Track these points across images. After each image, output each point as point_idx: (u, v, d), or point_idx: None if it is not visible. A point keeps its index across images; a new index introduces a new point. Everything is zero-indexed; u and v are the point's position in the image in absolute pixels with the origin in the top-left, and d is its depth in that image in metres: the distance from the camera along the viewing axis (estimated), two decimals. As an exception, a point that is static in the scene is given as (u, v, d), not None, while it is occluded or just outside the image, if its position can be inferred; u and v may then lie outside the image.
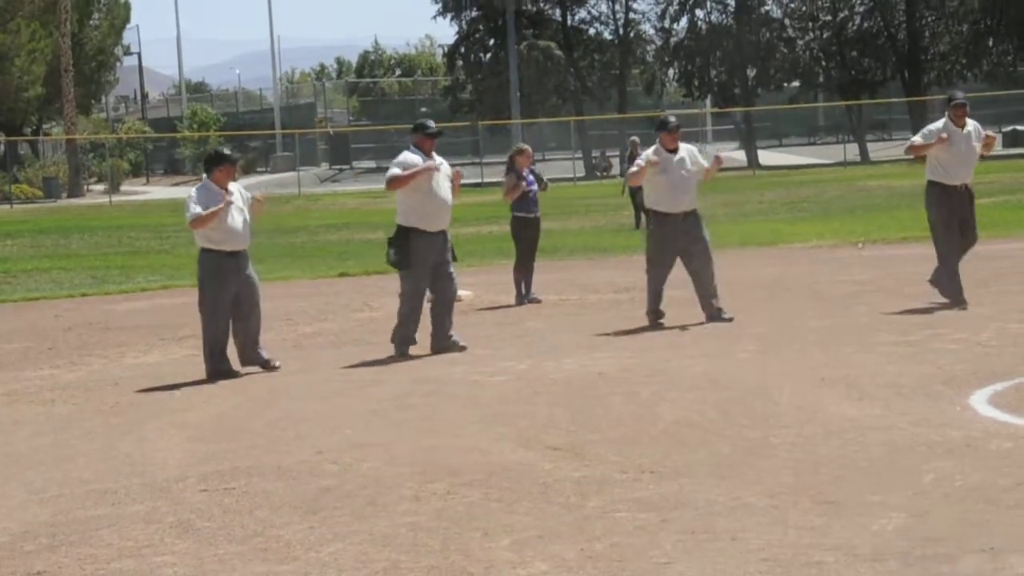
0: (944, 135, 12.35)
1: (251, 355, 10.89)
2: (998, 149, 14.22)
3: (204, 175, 11.04)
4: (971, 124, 12.59)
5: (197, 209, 10.64)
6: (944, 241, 12.52)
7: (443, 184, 11.38)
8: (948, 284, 12.41)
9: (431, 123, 11.81)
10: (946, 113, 12.72)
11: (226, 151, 11.22)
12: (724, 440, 7.58)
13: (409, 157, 11.39)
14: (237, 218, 10.78)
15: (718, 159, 13.09)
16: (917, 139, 12.70)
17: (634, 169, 12.81)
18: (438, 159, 11.51)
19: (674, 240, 12.36)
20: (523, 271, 15.03)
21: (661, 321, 12.32)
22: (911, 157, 13.38)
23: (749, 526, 5.84)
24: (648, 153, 12.52)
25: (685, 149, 12.51)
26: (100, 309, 16.53)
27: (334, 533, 6.10)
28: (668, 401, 8.77)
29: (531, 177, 15.11)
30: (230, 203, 10.64)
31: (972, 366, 9.46)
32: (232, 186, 10.90)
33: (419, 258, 11.27)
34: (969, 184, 12.63)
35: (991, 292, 12.81)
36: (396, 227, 11.38)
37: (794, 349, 10.73)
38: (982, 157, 12.75)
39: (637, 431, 7.91)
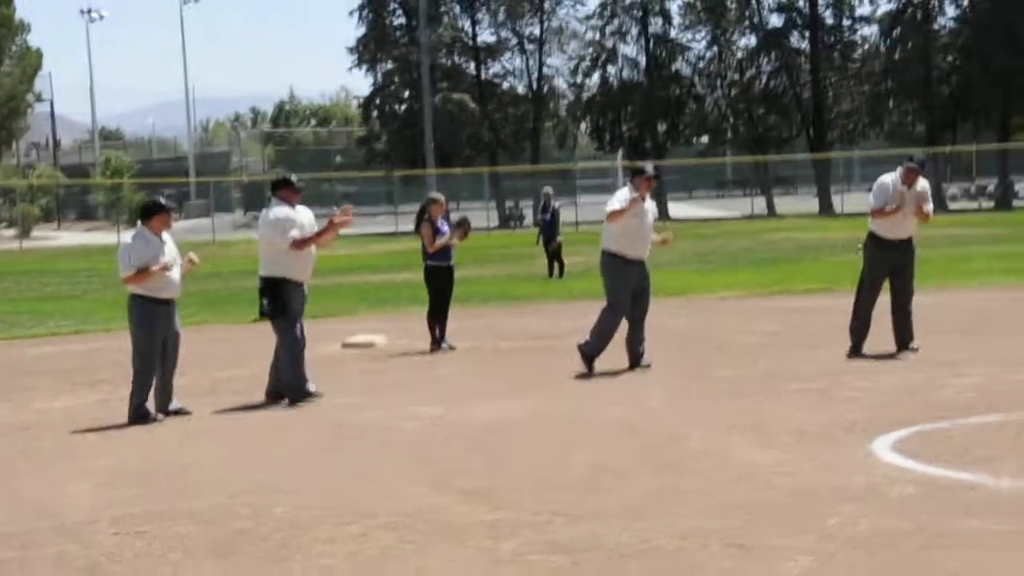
0: (893, 205, 12.60)
1: (164, 404, 10.91)
2: None
3: (139, 222, 11.09)
4: (921, 183, 12.85)
5: (130, 270, 10.77)
6: (862, 296, 12.90)
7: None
8: (854, 327, 12.82)
9: (294, 177, 11.82)
10: (898, 170, 12.86)
11: (162, 200, 11.34)
12: (635, 484, 7.67)
13: (290, 214, 11.44)
14: (174, 269, 10.88)
15: (667, 241, 13.39)
16: (874, 203, 12.84)
17: (617, 207, 12.47)
18: (301, 209, 11.57)
19: (629, 283, 12.66)
20: (437, 318, 15.09)
21: (593, 365, 12.49)
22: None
23: (659, 569, 5.92)
24: (627, 192, 12.62)
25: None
26: (8, 354, 16.31)
27: (248, 576, 6.10)
28: (580, 446, 8.86)
29: (445, 228, 15.22)
30: (167, 268, 10.81)
31: (874, 413, 9.66)
32: (165, 235, 10.99)
33: (293, 306, 11.39)
34: (909, 238, 12.89)
35: (892, 343, 13.07)
36: (263, 279, 11.42)
37: (703, 397, 10.89)
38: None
39: (550, 475, 7.98)
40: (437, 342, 14.98)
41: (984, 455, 8.16)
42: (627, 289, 12.67)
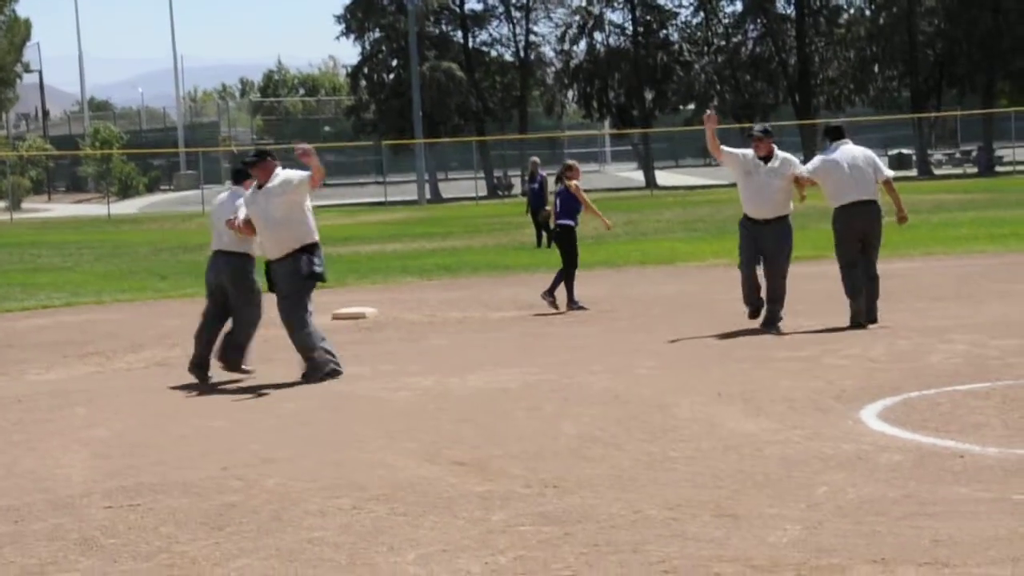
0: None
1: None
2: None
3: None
4: (780, 157, 13.10)
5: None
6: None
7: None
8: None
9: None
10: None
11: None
12: (625, 454, 7.72)
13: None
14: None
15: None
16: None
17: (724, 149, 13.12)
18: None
19: (753, 241, 12.86)
20: (566, 276, 15.59)
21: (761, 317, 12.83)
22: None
23: (650, 539, 5.95)
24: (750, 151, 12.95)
25: (781, 158, 12.96)
26: (1, 326, 16.31)
27: (240, 548, 6.10)
28: (570, 416, 8.91)
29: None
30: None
31: (862, 381, 9.72)
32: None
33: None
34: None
35: (881, 309, 13.13)
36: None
37: (692, 365, 10.94)
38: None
39: (540, 446, 8.02)
40: (573, 302, 15.46)
41: (972, 422, 8.22)
42: (746, 246, 12.89)
